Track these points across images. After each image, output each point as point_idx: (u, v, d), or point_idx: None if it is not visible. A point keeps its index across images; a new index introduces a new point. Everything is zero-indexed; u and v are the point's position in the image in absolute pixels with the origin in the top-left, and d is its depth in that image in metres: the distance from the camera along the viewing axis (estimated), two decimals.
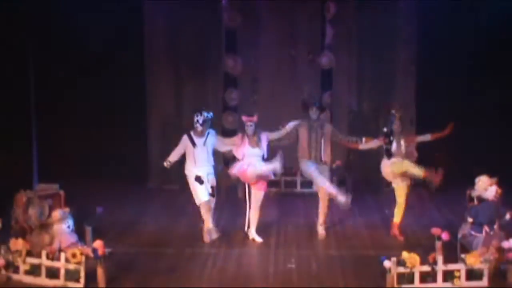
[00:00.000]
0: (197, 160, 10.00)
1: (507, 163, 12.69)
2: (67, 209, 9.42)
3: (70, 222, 9.17)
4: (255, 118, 9.95)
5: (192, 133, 10.06)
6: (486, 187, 9.11)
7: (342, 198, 9.79)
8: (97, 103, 13.39)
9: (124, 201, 12.28)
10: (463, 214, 9.46)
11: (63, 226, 9.11)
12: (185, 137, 10.08)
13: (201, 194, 10.01)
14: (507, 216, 9.09)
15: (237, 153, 9.99)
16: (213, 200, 10.20)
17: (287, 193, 13.11)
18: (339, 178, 13.05)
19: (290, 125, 10.22)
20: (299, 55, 13.49)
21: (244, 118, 10.04)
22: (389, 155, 9.94)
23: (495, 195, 9.09)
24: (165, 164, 10.10)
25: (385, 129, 9.97)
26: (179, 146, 10.11)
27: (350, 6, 13.34)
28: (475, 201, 9.27)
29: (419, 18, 13.33)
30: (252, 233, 10.13)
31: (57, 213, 9.18)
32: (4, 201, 9.95)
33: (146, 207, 11.65)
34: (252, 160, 9.89)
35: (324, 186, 9.99)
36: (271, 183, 13.12)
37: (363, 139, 10.06)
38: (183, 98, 13.76)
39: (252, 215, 10.11)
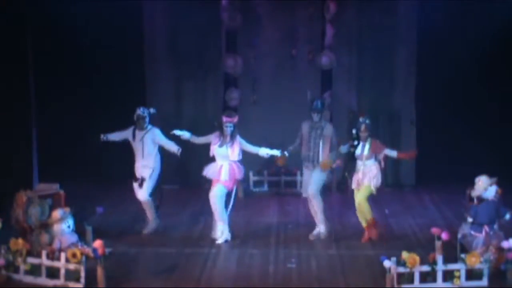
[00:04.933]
0: (135, 153, 10.45)
1: (507, 163, 12.70)
2: (67, 209, 9.41)
3: (70, 222, 9.17)
4: (235, 119, 10.01)
5: (137, 127, 10.44)
6: (486, 187, 9.10)
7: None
8: (97, 103, 13.38)
9: (124, 201, 12.26)
10: (463, 214, 9.46)
11: (63, 226, 9.11)
12: (131, 128, 10.50)
13: (135, 193, 10.45)
14: (507, 216, 9.10)
15: (211, 152, 10.11)
16: (141, 191, 10.41)
17: (287, 193, 13.12)
18: (338, 178, 13.11)
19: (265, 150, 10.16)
20: (299, 55, 13.49)
21: (224, 118, 10.09)
22: (353, 158, 10.13)
23: (495, 195, 9.09)
24: (101, 136, 10.46)
25: (354, 131, 10.15)
26: (122, 131, 10.55)
27: (350, 6, 13.34)
28: (475, 201, 9.26)
29: (419, 18, 13.33)
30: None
31: (57, 213, 9.18)
32: (4, 201, 9.94)
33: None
34: (220, 161, 10.00)
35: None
36: (271, 183, 13.21)
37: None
38: (183, 98, 13.77)
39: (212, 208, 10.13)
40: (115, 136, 10.52)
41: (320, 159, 10.11)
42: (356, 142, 10.12)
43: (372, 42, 13.45)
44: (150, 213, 10.53)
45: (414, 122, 13.37)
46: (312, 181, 10.14)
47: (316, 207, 10.19)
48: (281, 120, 13.09)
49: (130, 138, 10.47)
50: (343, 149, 10.22)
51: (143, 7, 13.48)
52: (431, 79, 13.38)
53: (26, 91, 12.31)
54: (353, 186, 10.22)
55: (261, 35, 13.54)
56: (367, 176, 10.04)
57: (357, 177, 10.14)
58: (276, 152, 10.11)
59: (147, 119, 10.41)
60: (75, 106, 13.46)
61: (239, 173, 10.06)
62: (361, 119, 10.20)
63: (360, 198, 10.10)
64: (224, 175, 9.94)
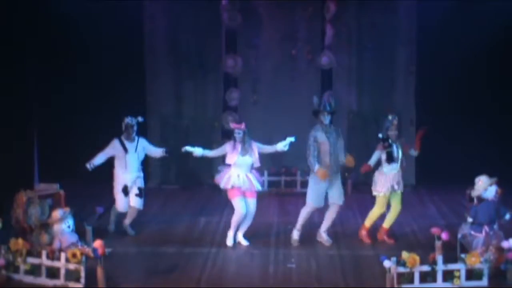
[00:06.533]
0: (128, 165, 10.24)
1: (507, 163, 12.69)
2: (67, 209, 9.41)
3: (70, 222, 9.18)
4: (243, 126, 9.86)
5: (123, 138, 10.26)
6: (486, 187, 9.10)
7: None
8: (97, 103, 13.38)
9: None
10: (463, 214, 9.46)
11: (63, 226, 9.11)
12: (116, 142, 10.27)
13: (121, 205, 10.31)
14: (507, 216, 9.10)
15: (229, 160, 9.89)
16: (141, 201, 10.41)
17: (287, 193, 13.12)
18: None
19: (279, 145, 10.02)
20: (299, 55, 13.50)
21: (232, 125, 10.00)
22: (391, 159, 9.89)
23: (495, 195, 9.09)
24: (87, 166, 10.21)
25: (380, 135, 9.93)
26: (107, 149, 10.29)
27: (350, 6, 13.35)
28: (475, 201, 9.26)
29: (419, 18, 13.33)
30: (239, 237, 10.05)
31: (57, 213, 9.18)
32: (4, 201, 9.94)
33: (146, 207, 11.61)
34: (240, 171, 9.82)
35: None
36: (271, 183, 13.21)
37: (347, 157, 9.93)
38: (183, 98, 13.77)
39: (245, 222, 10.00)
40: (101, 159, 10.26)
41: (341, 162, 9.89)
42: (390, 142, 9.84)
43: (372, 42, 13.46)
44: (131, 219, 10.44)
45: (414, 122, 13.37)
46: (341, 190, 9.96)
47: (335, 215, 10.05)
48: (281, 120, 13.10)
49: (120, 153, 10.23)
50: (376, 156, 9.93)
51: (144, 7, 13.49)
52: (431, 79, 13.38)
53: (26, 91, 12.29)
54: (385, 190, 9.95)
55: (261, 35, 13.56)
56: (401, 180, 9.96)
57: (393, 179, 9.93)
58: (290, 139, 9.87)
59: (135, 128, 10.27)
60: (75, 106, 13.46)
61: (261, 181, 10.10)
62: (390, 117, 9.94)
63: (400, 203, 10.00)
64: (257, 185, 9.88)
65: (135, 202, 10.37)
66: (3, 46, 11.49)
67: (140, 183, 10.40)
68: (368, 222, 10.18)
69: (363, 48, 13.56)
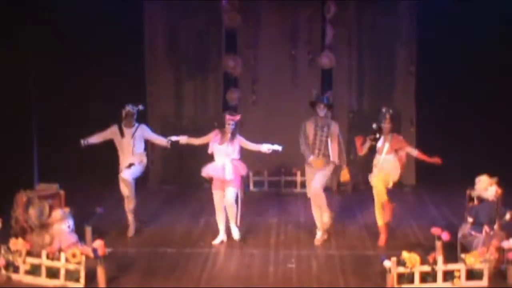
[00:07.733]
0: (124, 150, 10.37)
1: (507, 163, 12.69)
2: (67, 209, 9.42)
3: (70, 222, 9.18)
4: (237, 118, 9.98)
5: (122, 125, 10.42)
6: (486, 187, 9.10)
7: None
8: (97, 103, 13.37)
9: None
10: (463, 214, 9.46)
11: (63, 226, 9.12)
12: (114, 127, 10.44)
13: (121, 188, 10.42)
14: (507, 216, 9.09)
15: (209, 150, 10.05)
16: (129, 172, 10.41)
17: (287, 193, 13.12)
18: (339, 180, 13.11)
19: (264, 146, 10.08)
20: (299, 55, 13.49)
21: (227, 116, 10.03)
22: (374, 151, 9.90)
23: (495, 195, 9.09)
24: (81, 142, 10.34)
25: (374, 125, 9.91)
26: (104, 132, 10.45)
27: (350, 6, 13.34)
28: (475, 201, 9.26)
29: (419, 18, 13.33)
30: (231, 228, 10.11)
31: (57, 213, 9.19)
32: (4, 201, 9.95)
33: (146, 207, 11.65)
34: (222, 160, 9.92)
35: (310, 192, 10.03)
36: (271, 183, 13.21)
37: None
38: (183, 98, 13.77)
39: (229, 212, 10.07)
40: (96, 139, 10.41)
41: (331, 158, 9.88)
42: (378, 136, 9.80)
43: (372, 42, 13.46)
44: (132, 215, 10.47)
45: (414, 122, 13.37)
46: (315, 178, 9.91)
47: (321, 203, 9.94)
48: (281, 120, 13.09)
49: (117, 137, 10.39)
50: (367, 144, 9.87)
51: (143, 7, 13.49)
52: (431, 79, 13.38)
53: (26, 91, 12.31)
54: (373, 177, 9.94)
55: (261, 36, 13.54)
56: (386, 169, 9.84)
57: (383, 170, 9.86)
58: (277, 147, 10.01)
59: (135, 116, 10.43)
60: (75, 106, 13.45)
61: (243, 169, 10.04)
62: (384, 109, 9.94)
63: (379, 188, 9.86)
64: (229, 174, 9.88)
65: (124, 173, 10.34)
66: (4, 45, 11.51)
67: (135, 161, 10.38)
68: (378, 221, 10.07)
69: (363, 48, 13.55)
